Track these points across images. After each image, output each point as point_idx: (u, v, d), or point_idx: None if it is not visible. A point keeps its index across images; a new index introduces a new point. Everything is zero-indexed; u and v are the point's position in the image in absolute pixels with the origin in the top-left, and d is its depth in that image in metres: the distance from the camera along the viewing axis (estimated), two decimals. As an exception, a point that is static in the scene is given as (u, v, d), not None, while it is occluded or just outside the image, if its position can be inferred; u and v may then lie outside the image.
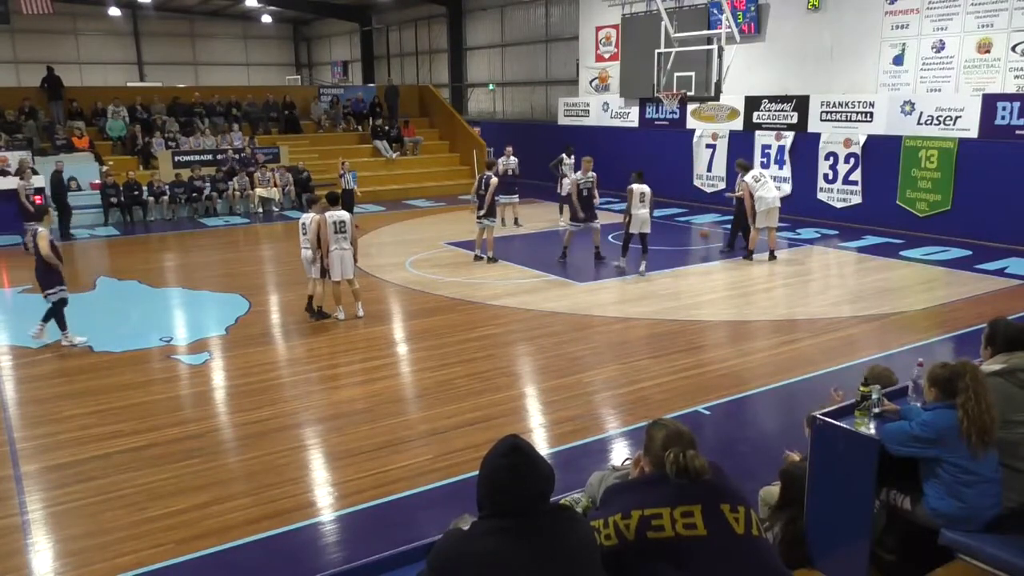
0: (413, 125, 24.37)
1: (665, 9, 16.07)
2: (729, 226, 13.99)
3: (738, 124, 18.46)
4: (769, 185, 12.53)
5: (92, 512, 5.29)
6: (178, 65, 35.70)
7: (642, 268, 11.83)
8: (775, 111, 17.57)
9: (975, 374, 3.60)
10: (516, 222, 16.33)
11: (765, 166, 17.19)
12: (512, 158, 16.01)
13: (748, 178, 12.61)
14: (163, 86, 26.82)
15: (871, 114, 15.74)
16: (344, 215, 9.59)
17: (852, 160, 16.14)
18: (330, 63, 38.38)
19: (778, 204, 12.64)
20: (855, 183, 16.15)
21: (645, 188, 11.72)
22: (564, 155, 16.52)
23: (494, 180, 12.83)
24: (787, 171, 17.27)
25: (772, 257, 12.85)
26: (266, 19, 36.48)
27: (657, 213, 15.36)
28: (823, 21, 16.41)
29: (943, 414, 3.60)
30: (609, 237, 15.45)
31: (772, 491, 4.36)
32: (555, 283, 11.62)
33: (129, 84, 29.15)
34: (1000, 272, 11.86)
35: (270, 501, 5.41)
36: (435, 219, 18.24)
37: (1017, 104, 13.56)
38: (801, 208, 16.76)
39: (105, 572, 4.63)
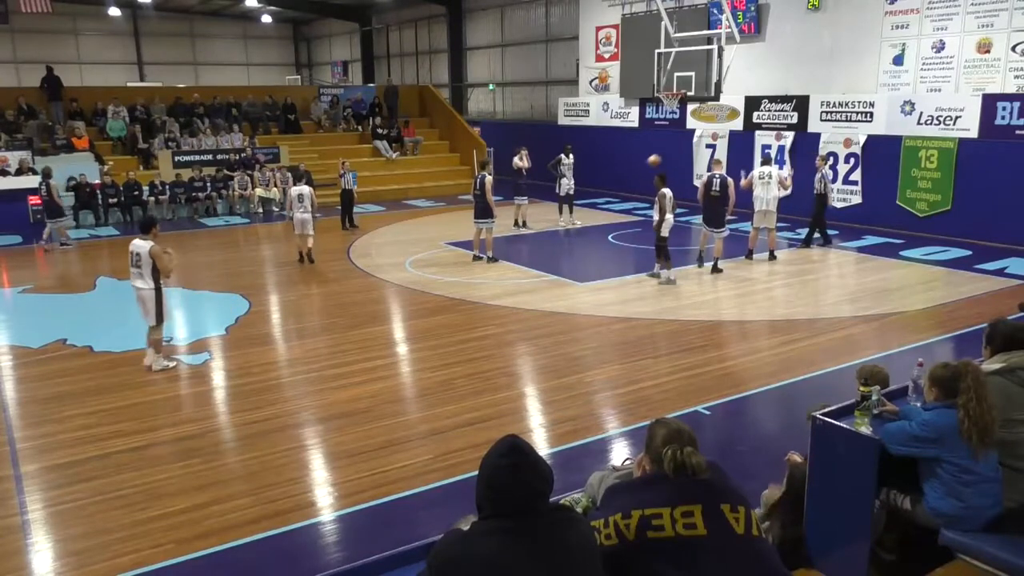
0: (413, 125, 24.38)
1: (665, 9, 16.08)
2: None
3: (738, 124, 18.46)
4: (771, 186, 12.51)
5: (92, 512, 5.29)
6: (178, 65, 35.68)
7: (672, 276, 11.45)
8: (775, 111, 17.57)
9: (977, 375, 3.60)
10: (523, 223, 16.35)
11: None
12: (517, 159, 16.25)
13: (754, 172, 12.74)
14: (163, 86, 26.81)
15: (871, 114, 15.74)
16: (142, 248, 7.86)
17: (852, 160, 16.14)
18: (330, 63, 38.38)
19: (771, 208, 12.56)
20: (855, 183, 16.16)
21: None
22: (563, 155, 16.53)
23: (489, 180, 12.83)
24: (787, 171, 17.23)
25: (772, 257, 12.86)
26: (266, 19, 36.47)
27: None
28: (823, 21, 16.41)
29: (943, 414, 3.61)
30: (609, 237, 15.47)
31: (774, 493, 4.36)
32: (555, 283, 11.62)
33: (129, 84, 29.13)
34: (1000, 272, 11.86)
35: (270, 501, 5.40)
36: (435, 219, 18.24)
37: (1017, 104, 13.56)
38: (801, 208, 16.71)
39: (105, 572, 4.63)
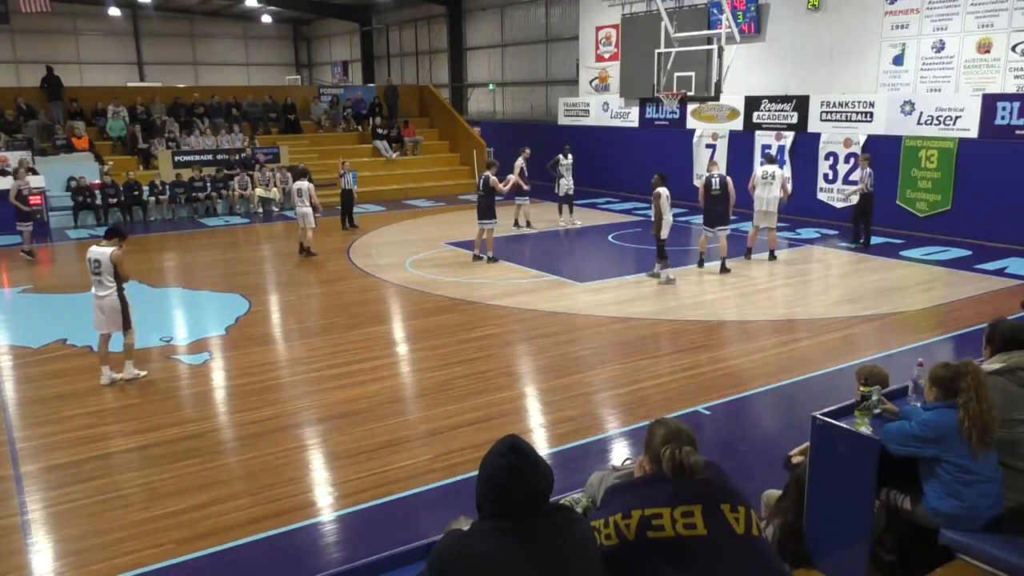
0: (413, 125, 24.38)
1: (665, 9, 16.07)
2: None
3: (738, 124, 18.46)
4: (773, 187, 12.47)
5: (92, 512, 5.29)
6: (178, 65, 35.69)
7: (672, 275, 11.46)
8: (775, 111, 17.57)
9: (976, 374, 3.61)
10: (526, 223, 16.36)
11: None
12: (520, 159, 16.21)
13: (757, 172, 12.68)
14: (163, 86, 26.81)
15: (871, 114, 15.74)
16: (103, 254, 7.57)
17: (852, 160, 16.13)
18: (330, 63, 38.38)
19: (772, 209, 12.49)
20: (855, 183, 16.11)
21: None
22: (561, 156, 16.55)
23: (493, 179, 12.84)
24: (787, 171, 17.21)
25: (772, 257, 12.85)
26: (266, 19, 36.47)
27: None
28: (823, 21, 16.41)
29: (943, 413, 3.61)
30: (609, 237, 15.47)
31: (775, 494, 4.37)
32: (555, 283, 11.62)
33: (129, 84, 29.14)
34: (1000, 272, 11.86)
35: (270, 501, 5.40)
36: (435, 219, 18.25)
37: (1017, 104, 13.56)
38: (801, 208, 16.75)
39: (105, 572, 4.63)
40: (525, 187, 16.03)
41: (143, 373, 7.90)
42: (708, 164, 13.23)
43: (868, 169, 13.50)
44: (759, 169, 12.72)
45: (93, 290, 7.65)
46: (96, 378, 7.77)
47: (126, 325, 7.73)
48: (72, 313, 10.45)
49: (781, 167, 17.16)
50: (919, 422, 3.64)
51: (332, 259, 13.69)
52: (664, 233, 11.21)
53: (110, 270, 7.53)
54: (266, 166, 19.95)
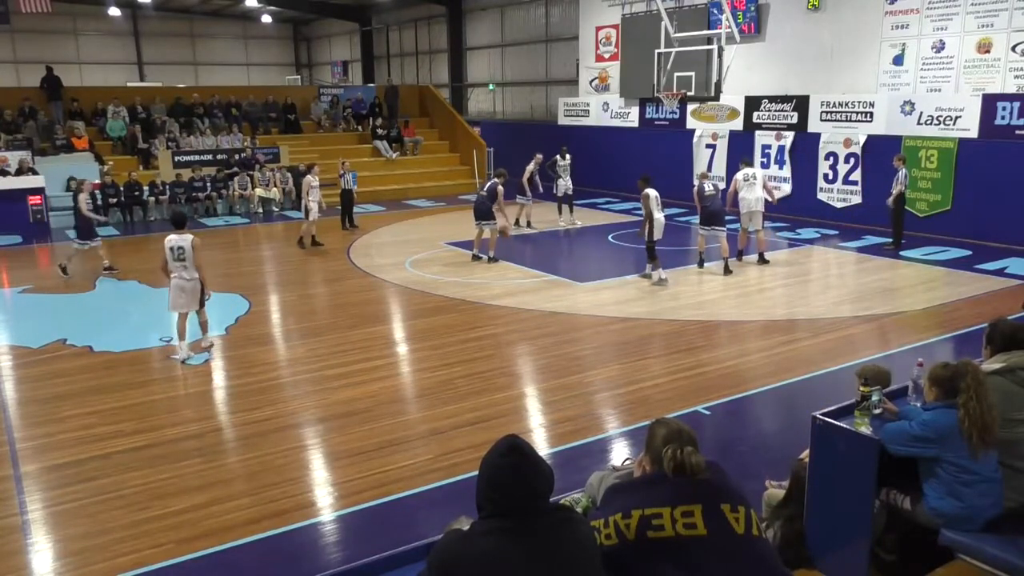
0: (413, 125, 24.38)
1: (665, 9, 16.07)
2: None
3: (738, 124, 18.46)
4: (756, 187, 12.40)
5: (92, 512, 5.29)
6: (178, 65, 35.68)
7: (663, 275, 11.41)
8: (775, 111, 17.57)
9: (976, 374, 3.61)
10: (527, 223, 16.38)
11: (765, 166, 17.21)
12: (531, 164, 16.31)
13: (738, 175, 12.57)
14: (163, 86, 26.81)
15: (871, 114, 15.74)
16: (184, 241, 8.26)
17: (852, 160, 16.14)
18: (330, 63, 38.38)
19: (759, 208, 12.38)
20: (855, 183, 16.15)
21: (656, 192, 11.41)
22: (558, 156, 16.56)
23: (500, 189, 12.79)
24: (787, 171, 17.27)
25: (762, 260, 12.64)
26: (266, 19, 36.46)
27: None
28: (823, 21, 16.41)
29: (943, 414, 3.61)
30: (609, 237, 15.47)
31: (776, 493, 4.37)
32: (555, 283, 11.62)
33: (129, 84, 29.13)
34: (1000, 272, 11.86)
35: (270, 501, 5.40)
36: (435, 219, 18.24)
37: (1017, 104, 13.56)
38: (801, 208, 16.75)
39: (105, 572, 4.63)
40: (529, 192, 16.16)
41: (182, 357, 8.38)
42: (699, 175, 13.11)
43: (904, 169, 13.41)
44: (740, 173, 12.61)
45: (177, 274, 8.30)
46: (96, 378, 7.79)
47: (202, 303, 8.59)
48: (72, 313, 10.46)
49: (781, 167, 17.25)
50: (919, 422, 3.64)
51: (332, 259, 13.69)
52: (657, 234, 11.21)
53: (192, 255, 8.26)
54: (266, 166, 19.94)
